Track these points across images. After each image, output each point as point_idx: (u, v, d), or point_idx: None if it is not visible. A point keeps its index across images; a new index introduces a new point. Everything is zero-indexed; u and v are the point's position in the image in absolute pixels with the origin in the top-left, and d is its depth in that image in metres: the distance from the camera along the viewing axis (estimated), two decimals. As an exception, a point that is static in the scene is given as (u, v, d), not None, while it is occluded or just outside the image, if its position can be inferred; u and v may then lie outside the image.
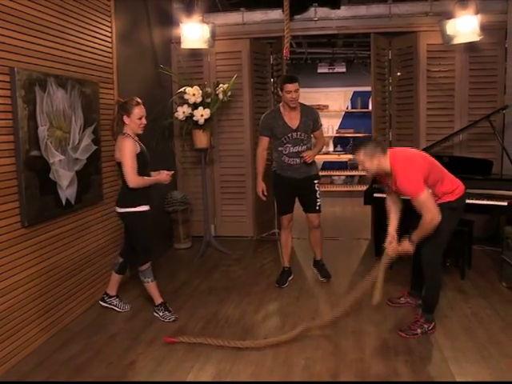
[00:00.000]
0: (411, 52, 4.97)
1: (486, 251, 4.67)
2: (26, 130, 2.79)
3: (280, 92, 3.69)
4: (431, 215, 2.74)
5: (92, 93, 3.56)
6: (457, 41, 4.45)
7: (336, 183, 9.07)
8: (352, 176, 9.09)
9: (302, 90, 3.69)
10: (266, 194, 3.87)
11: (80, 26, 3.45)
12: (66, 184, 3.24)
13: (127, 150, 3.09)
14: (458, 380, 2.51)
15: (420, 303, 3.36)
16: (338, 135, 9.14)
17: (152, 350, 2.91)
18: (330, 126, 9.12)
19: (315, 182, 3.87)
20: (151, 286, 3.33)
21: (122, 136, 3.16)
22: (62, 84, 3.17)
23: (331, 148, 9.22)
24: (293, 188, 3.82)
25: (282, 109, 3.74)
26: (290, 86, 3.59)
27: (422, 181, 2.78)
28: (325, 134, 8.28)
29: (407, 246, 2.87)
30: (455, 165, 4.31)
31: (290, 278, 4.03)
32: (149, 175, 3.29)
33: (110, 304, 3.51)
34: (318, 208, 3.87)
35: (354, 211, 7.06)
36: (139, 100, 3.19)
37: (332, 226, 6.07)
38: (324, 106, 9.01)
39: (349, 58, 8.54)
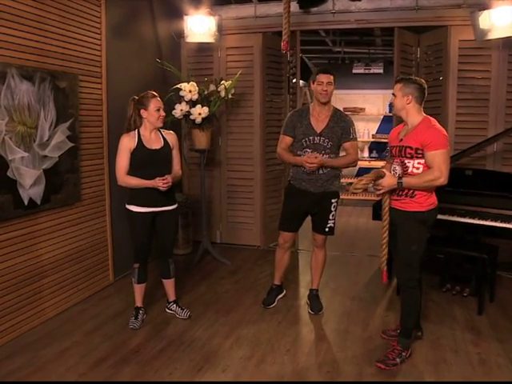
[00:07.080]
0: (441, 49, 4.36)
1: (516, 281, 4.02)
2: (-25, 123, 2.59)
3: (312, 85, 3.25)
4: (440, 173, 2.50)
5: (69, 86, 3.34)
6: (491, 36, 3.82)
7: (368, 190, 8.47)
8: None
9: (337, 91, 3.30)
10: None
11: (61, 16, 3.25)
12: (29, 183, 3.03)
13: (119, 147, 3.02)
14: None
15: (418, 335, 2.97)
16: (374, 140, 8.54)
17: (97, 370, 2.62)
18: (367, 130, 8.53)
19: (333, 200, 3.32)
20: (134, 287, 3.28)
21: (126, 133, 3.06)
22: (28, 76, 2.96)
23: (366, 154, 8.62)
24: (304, 205, 3.32)
25: (311, 108, 3.30)
26: (322, 77, 3.15)
27: (448, 145, 2.56)
28: (360, 139, 7.59)
29: (391, 180, 2.59)
30: (480, 180, 3.74)
31: (279, 297, 3.62)
32: (148, 176, 2.97)
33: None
34: (327, 230, 3.36)
35: (378, 223, 6.47)
36: (154, 93, 3.08)
37: (350, 239, 5.59)
38: (360, 108, 8.44)
39: (388, 58, 7.92)
